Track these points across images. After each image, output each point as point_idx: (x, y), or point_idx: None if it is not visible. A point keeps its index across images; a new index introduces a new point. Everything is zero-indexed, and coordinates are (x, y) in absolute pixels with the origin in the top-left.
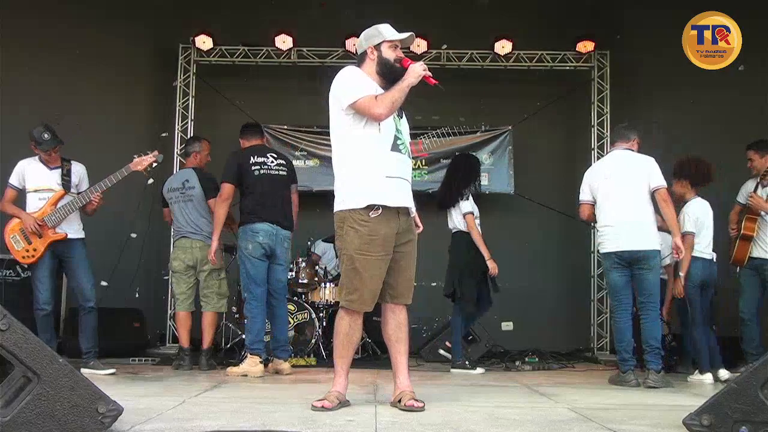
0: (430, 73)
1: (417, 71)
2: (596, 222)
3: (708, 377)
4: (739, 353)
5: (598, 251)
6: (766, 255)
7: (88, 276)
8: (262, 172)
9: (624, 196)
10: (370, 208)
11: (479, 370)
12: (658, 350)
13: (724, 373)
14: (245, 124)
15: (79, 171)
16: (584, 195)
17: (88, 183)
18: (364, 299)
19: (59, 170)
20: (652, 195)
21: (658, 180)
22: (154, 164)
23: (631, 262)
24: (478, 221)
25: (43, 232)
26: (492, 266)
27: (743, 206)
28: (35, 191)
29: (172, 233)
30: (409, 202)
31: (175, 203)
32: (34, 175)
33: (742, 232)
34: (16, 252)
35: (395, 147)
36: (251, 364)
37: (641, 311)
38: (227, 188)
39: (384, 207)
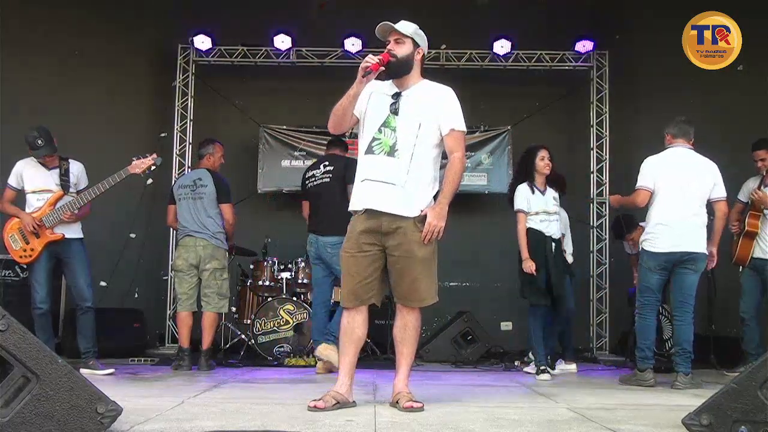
0: (369, 63)
1: (359, 70)
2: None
3: (573, 366)
4: (739, 353)
5: (641, 246)
6: (764, 254)
7: (85, 276)
8: (310, 184)
9: (686, 197)
10: (353, 211)
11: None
12: (689, 354)
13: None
14: (332, 137)
15: (77, 170)
16: (647, 182)
17: (87, 181)
18: (343, 295)
19: (57, 170)
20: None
21: (722, 190)
22: (153, 167)
23: (677, 262)
24: (539, 218)
25: (40, 233)
26: (526, 267)
27: (745, 204)
28: (33, 192)
29: (176, 232)
30: (379, 204)
31: (183, 200)
32: (33, 176)
33: (746, 229)
34: (13, 252)
35: (369, 149)
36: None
37: (676, 311)
38: (303, 205)
39: (365, 209)
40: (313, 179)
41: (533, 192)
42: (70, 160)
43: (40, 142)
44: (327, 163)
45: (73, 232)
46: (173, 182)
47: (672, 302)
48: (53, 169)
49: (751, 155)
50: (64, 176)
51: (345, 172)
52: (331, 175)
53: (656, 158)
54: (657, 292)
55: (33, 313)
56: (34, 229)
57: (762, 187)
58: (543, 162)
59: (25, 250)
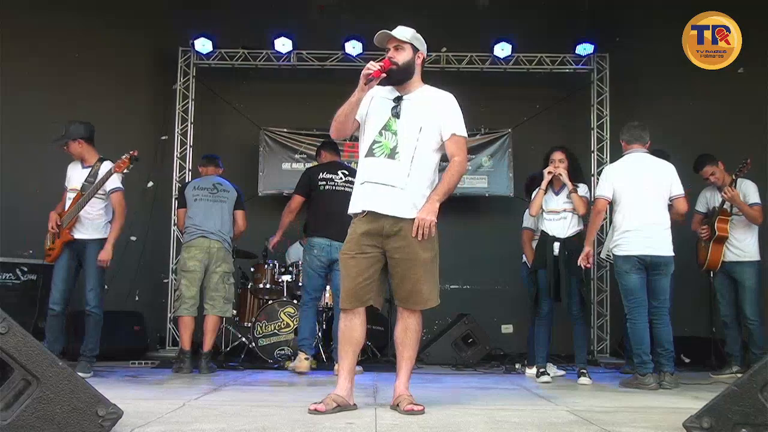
0: (370, 70)
1: (361, 76)
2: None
3: (534, 370)
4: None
5: (611, 253)
6: (736, 258)
7: (92, 279)
8: (327, 187)
9: (649, 201)
10: (354, 214)
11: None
12: (672, 353)
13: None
14: (326, 140)
15: (103, 171)
16: (605, 191)
17: (118, 182)
18: (342, 296)
19: (90, 170)
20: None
21: (680, 188)
22: (134, 159)
23: (650, 266)
24: (546, 216)
25: (61, 232)
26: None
27: (704, 215)
28: (69, 191)
29: (185, 234)
30: (379, 206)
31: (201, 201)
32: (71, 175)
33: (717, 234)
34: (45, 250)
35: (370, 152)
36: (299, 359)
37: (655, 315)
38: (296, 199)
39: (366, 211)
40: (332, 183)
41: (545, 192)
42: (104, 161)
43: (61, 132)
44: (347, 172)
45: (90, 233)
46: (181, 185)
47: (648, 308)
48: (87, 168)
49: (699, 176)
50: (92, 177)
51: None
52: (353, 187)
53: (613, 167)
54: (640, 292)
55: (47, 314)
56: (53, 228)
57: (735, 185)
58: (552, 166)
59: (51, 249)
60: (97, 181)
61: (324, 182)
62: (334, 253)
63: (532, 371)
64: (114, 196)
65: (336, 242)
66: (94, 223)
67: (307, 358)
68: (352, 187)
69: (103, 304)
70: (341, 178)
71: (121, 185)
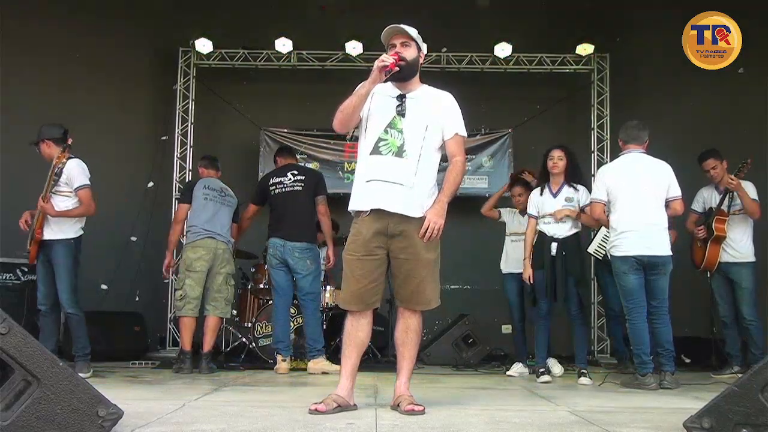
0: (386, 62)
1: (373, 68)
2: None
3: (518, 367)
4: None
5: (609, 254)
6: (732, 259)
7: (64, 281)
8: (277, 191)
9: (647, 201)
10: (356, 212)
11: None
12: (672, 353)
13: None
14: (280, 146)
15: (67, 168)
16: (599, 194)
17: (84, 179)
18: (346, 298)
19: (55, 170)
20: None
21: (678, 189)
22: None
23: (647, 266)
24: (544, 220)
25: (34, 232)
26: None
27: (700, 214)
28: None
29: (188, 232)
30: (387, 204)
31: (211, 201)
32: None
33: (715, 234)
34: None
35: (376, 150)
36: (277, 362)
37: (654, 315)
38: (250, 208)
39: (371, 210)
40: (281, 186)
41: (542, 194)
42: (70, 160)
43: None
44: (296, 172)
45: (55, 233)
46: (190, 182)
47: (648, 308)
48: (59, 168)
49: (700, 168)
50: (57, 176)
51: (317, 185)
52: (303, 185)
53: (609, 166)
54: (639, 293)
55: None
56: (25, 228)
57: (719, 192)
58: (551, 162)
59: (28, 251)
60: (47, 180)
61: (274, 186)
62: (288, 254)
63: (517, 368)
64: (81, 193)
65: (289, 242)
66: (60, 222)
67: (284, 360)
68: (301, 186)
69: (78, 303)
70: (290, 179)
71: (88, 182)
